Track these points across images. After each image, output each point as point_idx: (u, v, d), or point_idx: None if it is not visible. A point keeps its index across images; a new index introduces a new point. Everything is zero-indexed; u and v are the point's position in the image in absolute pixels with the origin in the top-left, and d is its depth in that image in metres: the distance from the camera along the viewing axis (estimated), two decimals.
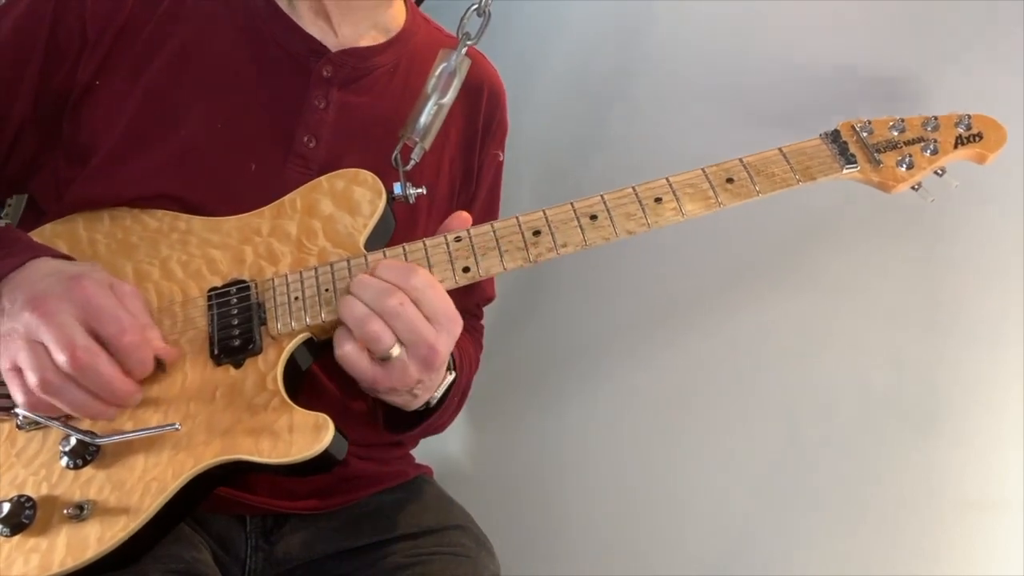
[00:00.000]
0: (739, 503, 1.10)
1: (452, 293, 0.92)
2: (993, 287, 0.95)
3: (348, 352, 0.70)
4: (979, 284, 0.96)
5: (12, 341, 0.65)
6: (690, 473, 1.16)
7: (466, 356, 0.92)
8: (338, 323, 0.72)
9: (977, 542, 0.92)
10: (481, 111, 0.99)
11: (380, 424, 0.89)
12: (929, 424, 0.97)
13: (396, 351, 0.69)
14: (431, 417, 0.84)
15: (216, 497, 0.79)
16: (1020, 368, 0.91)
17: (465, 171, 0.99)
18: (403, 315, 0.68)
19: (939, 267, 0.99)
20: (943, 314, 0.98)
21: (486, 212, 1.02)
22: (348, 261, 0.76)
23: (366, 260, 0.75)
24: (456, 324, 0.72)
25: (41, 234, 0.80)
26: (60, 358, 0.64)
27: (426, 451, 1.02)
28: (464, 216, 0.78)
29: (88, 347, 0.65)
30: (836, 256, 1.08)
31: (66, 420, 0.71)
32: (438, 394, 0.81)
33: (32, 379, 0.65)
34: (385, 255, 0.76)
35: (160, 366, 0.72)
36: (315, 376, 0.85)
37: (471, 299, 1.01)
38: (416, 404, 0.79)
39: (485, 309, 1.08)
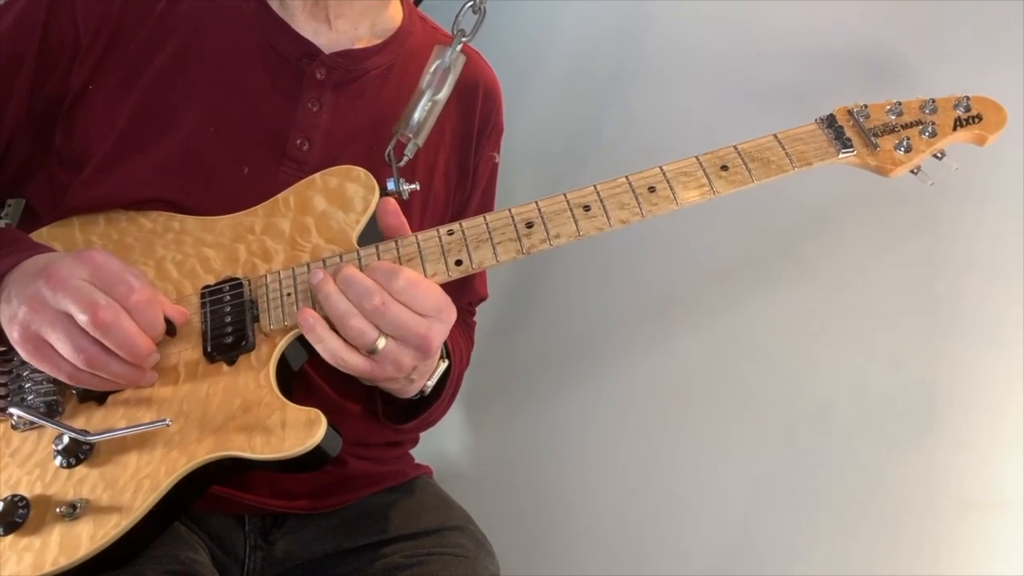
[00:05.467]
0: (739, 503, 1.09)
1: (445, 290, 0.92)
2: (993, 286, 0.94)
3: (334, 349, 0.69)
4: (979, 283, 0.95)
5: (32, 317, 0.66)
6: (690, 472, 1.15)
7: (456, 348, 0.91)
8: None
9: (977, 542, 0.91)
10: (477, 111, 0.99)
11: (379, 416, 0.89)
12: (929, 424, 0.96)
13: (382, 343, 0.69)
14: (429, 408, 0.83)
15: (215, 496, 0.79)
16: (1020, 368, 0.90)
17: (460, 171, 0.98)
18: (387, 314, 0.68)
19: (939, 265, 0.98)
20: (943, 313, 0.97)
21: (481, 213, 1.02)
22: (340, 257, 0.75)
23: (359, 256, 0.75)
24: (449, 311, 0.71)
25: (38, 237, 0.80)
26: (82, 318, 0.65)
27: (426, 451, 1.01)
28: (392, 203, 0.76)
29: (109, 304, 0.66)
30: (835, 254, 1.07)
31: (60, 419, 0.71)
32: (431, 382, 0.80)
33: (70, 354, 0.65)
34: (378, 250, 0.75)
35: (171, 329, 0.72)
36: (310, 377, 0.84)
37: (463, 298, 1.01)
38: (412, 390, 0.78)
39: (481, 309, 1.07)
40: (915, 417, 0.97)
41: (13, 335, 0.67)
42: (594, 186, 0.76)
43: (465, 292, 1.00)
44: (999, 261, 0.94)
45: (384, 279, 0.69)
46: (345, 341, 0.69)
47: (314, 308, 0.72)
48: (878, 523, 0.98)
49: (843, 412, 1.03)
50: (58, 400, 0.72)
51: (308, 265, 0.75)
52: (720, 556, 1.09)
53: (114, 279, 0.68)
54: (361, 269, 0.72)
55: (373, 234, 0.80)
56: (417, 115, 0.86)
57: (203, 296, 0.76)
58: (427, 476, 0.99)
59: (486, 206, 1.04)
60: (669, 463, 1.17)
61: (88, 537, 0.65)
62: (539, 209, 0.76)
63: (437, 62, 0.87)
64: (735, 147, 0.77)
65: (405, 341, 0.69)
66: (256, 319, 0.74)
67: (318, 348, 0.70)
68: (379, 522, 0.89)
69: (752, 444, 1.09)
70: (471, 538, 0.90)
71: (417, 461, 1.00)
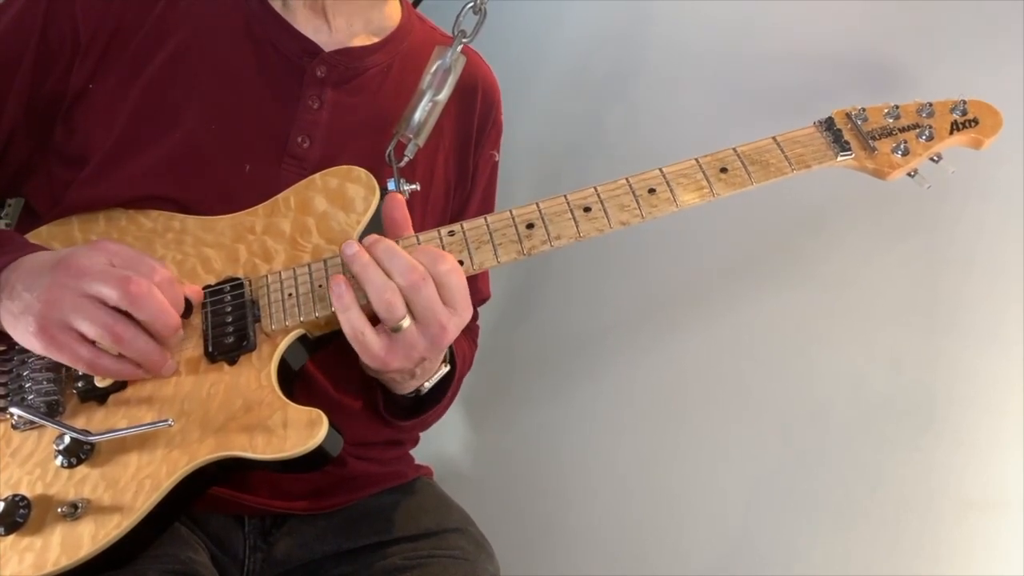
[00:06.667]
0: (738, 503, 1.09)
1: None
2: (993, 286, 0.94)
3: (356, 320, 0.69)
4: (979, 282, 0.95)
5: (52, 307, 0.66)
6: (690, 472, 1.15)
7: (460, 351, 0.92)
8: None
9: (977, 542, 0.91)
10: (476, 111, 0.99)
11: (379, 410, 0.89)
12: (928, 424, 0.96)
13: (406, 323, 0.69)
14: (430, 410, 0.84)
15: (215, 497, 0.79)
16: (1020, 368, 0.91)
17: (460, 171, 0.99)
18: (423, 291, 0.68)
19: (939, 265, 0.99)
20: (942, 313, 0.97)
21: (481, 212, 1.02)
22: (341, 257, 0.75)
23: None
24: (468, 311, 0.72)
25: (37, 236, 0.81)
26: (114, 294, 0.65)
27: (426, 451, 1.01)
28: (399, 198, 0.77)
29: (139, 279, 0.67)
30: (834, 254, 1.07)
31: (60, 418, 0.71)
32: (429, 384, 0.81)
33: (98, 333, 0.66)
34: None
35: (188, 310, 0.73)
36: (311, 376, 0.85)
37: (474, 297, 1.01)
38: (410, 387, 0.79)
39: (482, 309, 1.07)
40: (915, 417, 0.97)
41: (29, 328, 0.66)
42: (594, 187, 0.77)
43: (474, 290, 1.01)
44: (999, 260, 0.94)
45: (429, 261, 0.70)
46: (367, 317, 0.70)
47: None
48: (878, 523, 0.98)
49: (843, 412, 1.03)
50: (59, 400, 0.72)
51: (309, 265, 0.76)
52: (720, 556, 1.09)
53: (134, 261, 0.69)
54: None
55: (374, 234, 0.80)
56: (418, 115, 0.86)
57: (204, 296, 0.76)
58: (427, 477, 0.99)
59: (487, 205, 1.04)
60: (669, 463, 1.17)
61: (90, 537, 0.65)
62: (540, 210, 0.76)
63: (438, 63, 0.87)
64: (734, 149, 0.78)
65: (426, 327, 0.70)
66: (257, 319, 0.74)
67: (342, 317, 0.70)
68: (379, 523, 0.89)
69: (751, 444, 1.10)
70: (471, 540, 0.90)
71: (417, 462, 1.00)
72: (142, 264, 0.69)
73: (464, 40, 0.86)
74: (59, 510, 0.66)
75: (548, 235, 0.75)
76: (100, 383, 0.72)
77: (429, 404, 0.84)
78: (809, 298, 1.08)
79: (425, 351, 0.71)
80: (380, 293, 0.68)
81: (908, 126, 0.79)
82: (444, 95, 0.86)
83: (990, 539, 0.90)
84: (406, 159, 0.86)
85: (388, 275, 0.69)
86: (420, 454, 1.01)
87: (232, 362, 0.73)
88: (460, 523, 0.92)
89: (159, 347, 0.70)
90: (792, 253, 1.12)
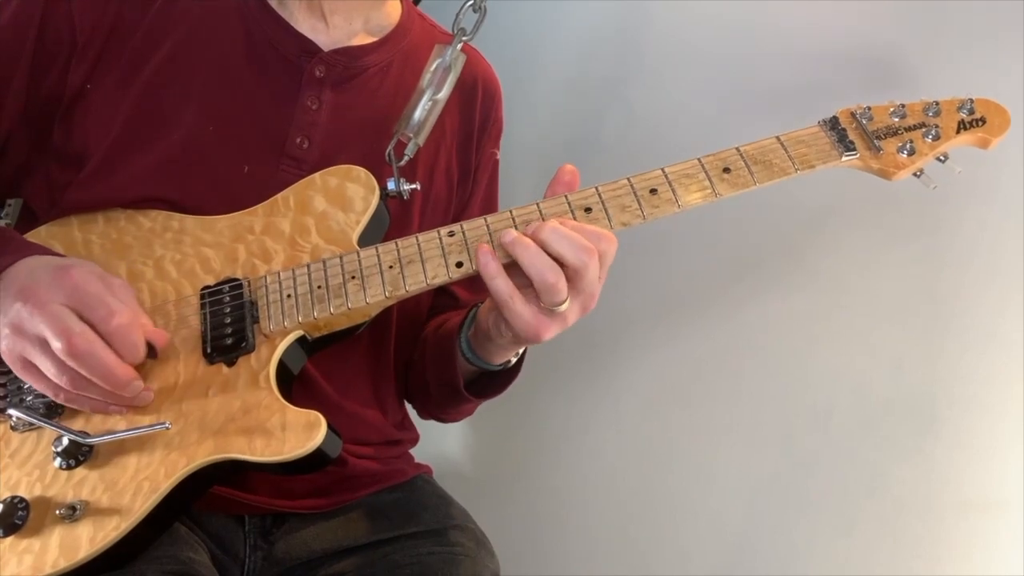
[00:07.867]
0: (739, 504, 1.09)
1: (459, 287, 0.91)
2: (993, 286, 0.93)
3: (505, 289, 0.69)
4: (979, 283, 0.95)
5: (16, 338, 0.66)
6: (690, 473, 1.15)
7: None
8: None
9: (977, 542, 0.91)
10: (477, 109, 0.98)
11: (461, 388, 0.89)
12: (929, 424, 0.96)
13: (566, 305, 0.69)
14: (514, 377, 0.87)
15: (215, 496, 0.79)
16: (1020, 368, 0.90)
17: (462, 169, 0.98)
18: (591, 269, 0.68)
19: (939, 266, 0.98)
20: (943, 313, 0.97)
21: (484, 211, 1.01)
22: (341, 258, 0.75)
23: (359, 256, 0.75)
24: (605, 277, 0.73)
25: (37, 236, 0.81)
26: (56, 345, 0.64)
27: (426, 451, 1.01)
28: (569, 169, 0.77)
29: (83, 333, 0.65)
30: (836, 255, 1.07)
31: (59, 420, 0.71)
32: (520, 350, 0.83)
33: (54, 375, 0.66)
34: (378, 251, 0.75)
35: (152, 352, 0.71)
36: (310, 377, 0.84)
37: (480, 294, 1.01)
38: (519, 350, 0.82)
39: None
40: (915, 417, 0.97)
41: (2, 347, 0.67)
42: (596, 188, 0.76)
43: (482, 289, 1.01)
44: (999, 262, 0.93)
45: (594, 239, 0.69)
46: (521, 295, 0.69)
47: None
48: (878, 523, 0.98)
49: (843, 412, 1.03)
50: None
51: (308, 266, 0.75)
52: (720, 556, 1.09)
53: (92, 302, 0.67)
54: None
55: (374, 234, 0.80)
56: (418, 114, 0.85)
57: (203, 297, 0.76)
58: (427, 475, 0.99)
59: (489, 203, 1.04)
60: (669, 463, 1.17)
61: (88, 539, 0.65)
62: (540, 210, 0.75)
63: (437, 61, 0.86)
64: (737, 149, 0.77)
65: (582, 299, 0.70)
66: (256, 320, 0.74)
67: (491, 285, 0.69)
68: (379, 521, 0.88)
69: (752, 445, 1.09)
70: (471, 537, 0.90)
71: (417, 460, 1.00)
72: (100, 307, 0.67)
73: (464, 38, 0.86)
74: (57, 512, 0.66)
75: None
76: None
77: (514, 372, 0.86)
78: (810, 299, 1.08)
79: (575, 318, 0.71)
80: (544, 276, 0.67)
81: (914, 125, 0.78)
82: (444, 93, 0.86)
83: (990, 539, 0.90)
84: (406, 158, 0.85)
85: (557, 257, 0.68)
86: (420, 453, 1.01)
87: (230, 364, 0.73)
88: (460, 520, 0.92)
89: (117, 392, 0.68)
90: (792, 254, 1.11)
